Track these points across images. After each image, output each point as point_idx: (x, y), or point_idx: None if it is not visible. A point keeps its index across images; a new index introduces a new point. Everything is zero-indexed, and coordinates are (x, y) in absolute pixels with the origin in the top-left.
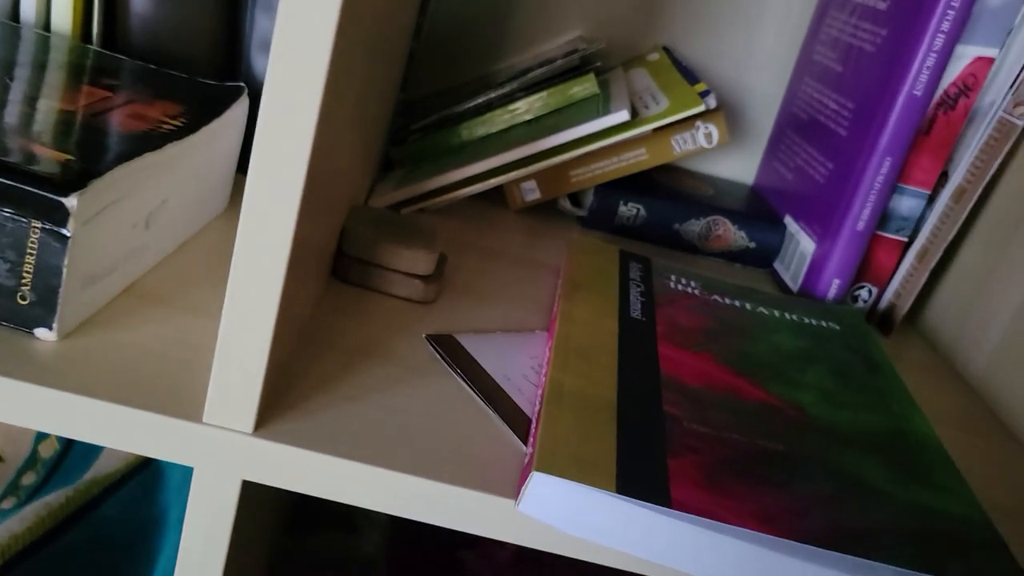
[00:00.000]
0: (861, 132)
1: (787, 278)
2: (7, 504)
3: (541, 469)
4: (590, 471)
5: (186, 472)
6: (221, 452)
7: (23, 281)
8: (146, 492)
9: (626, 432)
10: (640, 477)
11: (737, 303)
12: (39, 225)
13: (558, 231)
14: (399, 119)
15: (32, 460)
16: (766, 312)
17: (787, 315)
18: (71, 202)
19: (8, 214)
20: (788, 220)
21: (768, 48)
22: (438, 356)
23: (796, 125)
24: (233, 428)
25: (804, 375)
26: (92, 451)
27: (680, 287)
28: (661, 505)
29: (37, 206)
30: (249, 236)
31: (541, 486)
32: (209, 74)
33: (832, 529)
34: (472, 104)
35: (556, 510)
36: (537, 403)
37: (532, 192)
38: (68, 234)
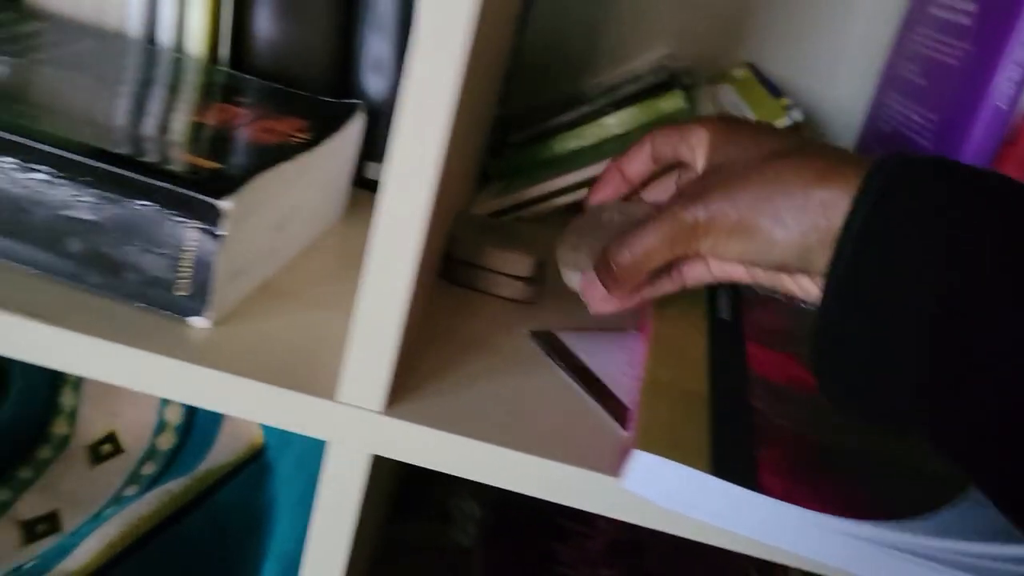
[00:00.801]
0: (945, 145)
1: None
2: (130, 491)
3: (643, 448)
4: (687, 453)
5: (294, 464)
6: (353, 428)
7: (181, 275)
8: (256, 483)
9: (718, 422)
10: (731, 462)
11: None
12: (197, 225)
13: None
14: (495, 133)
15: (151, 452)
16: None
17: None
18: (226, 205)
19: (170, 215)
20: None
21: (852, 63)
22: (541, 351)
23: (881, 139)
24: (365, 406)
25: None
26: (205, 444)
27: (766, 291)
28: (750, 488)
29: (197, 209)
30: (386, 230)
31: (643, 464)
32: (324, 92)
33: (899, 514)
34: (565, 119)
35: (655, 486)
36: (637, 393)
37: None
38: (222, 233)
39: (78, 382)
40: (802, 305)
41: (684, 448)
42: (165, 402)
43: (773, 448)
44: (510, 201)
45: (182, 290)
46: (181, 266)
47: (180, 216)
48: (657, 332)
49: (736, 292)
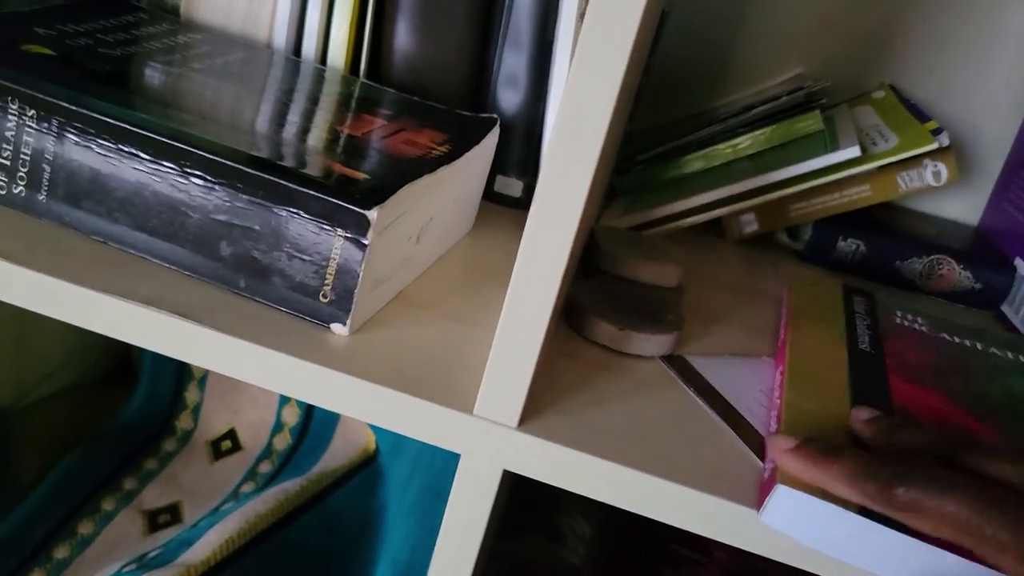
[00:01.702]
0: None
1: (1017, 321)
2: (247, 488)
3: (785, 483)
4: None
5: (408, 471)
6: (488, 441)
7: (326, 282)
8: (368, 488)
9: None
10: None
11: (967, 342)
12: (343, 234)
13: (776, 263)
14: (624, 149)
15: (268, 451)
16: (998, 353)
17: (1020, 357)
18: (372, 215)
19: (319, 223)
20: (1019, 262)
21: (998, 87)
22: (672, 374)
23: None
24: (500, 421)
25: None
26: (319, 447)
27: (907, 323)
28: (897, 530)
29: (344, 217)
30: (533, 247)
31: (784, 499)
32: (459, 106)
33: None
34: (695, 137)
35: (795, 523)
36: (773, 423)
37: (750, 224)
38: (367, 242)
39: (203, 379)
40: (948, 338)
41: None
42: (283, 403)
43: None
44: (637, 219)
45: (325, 296)
46: (326, 273)
47: (328, 224)
48: (795, 360)
49: (875, 321)
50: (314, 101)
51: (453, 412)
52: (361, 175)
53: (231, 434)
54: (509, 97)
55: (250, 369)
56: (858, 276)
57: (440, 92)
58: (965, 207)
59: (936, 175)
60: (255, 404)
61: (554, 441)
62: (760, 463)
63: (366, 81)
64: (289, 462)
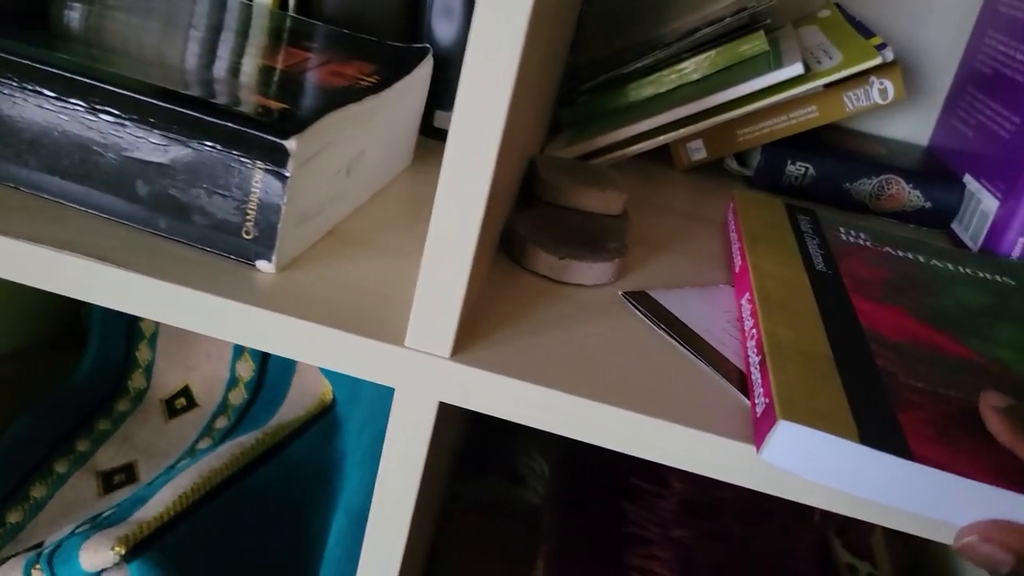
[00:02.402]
0: None
1: (966, 238)
2: (203, 444)
3: (786, 417)
4: (832, 421)
5: (363, 419)
6: (421, 374)
7: (248, 217)
8: (326, 438)
9: (851, 385)
10: (879, 429)
11: (910, 255)
12: (263, 166)
13: (725, 190)
14: (567, 82)
15: (223, 406)
16: (940, 265)
17: (961, 268)
18: (291, 144)
19: (238, 156)
20: (968, 179)
21: (946, 3)
22: (635, 310)
23: (979, 81)
24: (432, 352)
25: (996, 331)
26: (275, 400)
27: (852, 239)
28: (903, 457)
29: (262, 148)
30: (452, 175)
31: (786, 434)
32: (393, 38)
33: None
34: (639, 65)
35: (799, 458)
36: (754, 354)
37: (698, 151)
38: (287, 174)
39: (154, 337)
40: (893, 252)
41: (827, 416)
42: (237, 357)
43: (914, 411)
44: (582, 149)
45: (248, 233)
46: (247, 209)
47: (246, 157)
48: (761, 289)
49: (824, 240)
50: (235, 35)
51: (383, 345)
52: (281, 105)
53: (185, 391)
54: (445, 28)
55: (173, 310)
56: (808, 199)
57: (373, 24)
58: (915, 126)
59: (883, 93)
60: (208, 360)
61: (489, 370)
62: (739, 395)
63: (295, 15)
64: (246, 416)
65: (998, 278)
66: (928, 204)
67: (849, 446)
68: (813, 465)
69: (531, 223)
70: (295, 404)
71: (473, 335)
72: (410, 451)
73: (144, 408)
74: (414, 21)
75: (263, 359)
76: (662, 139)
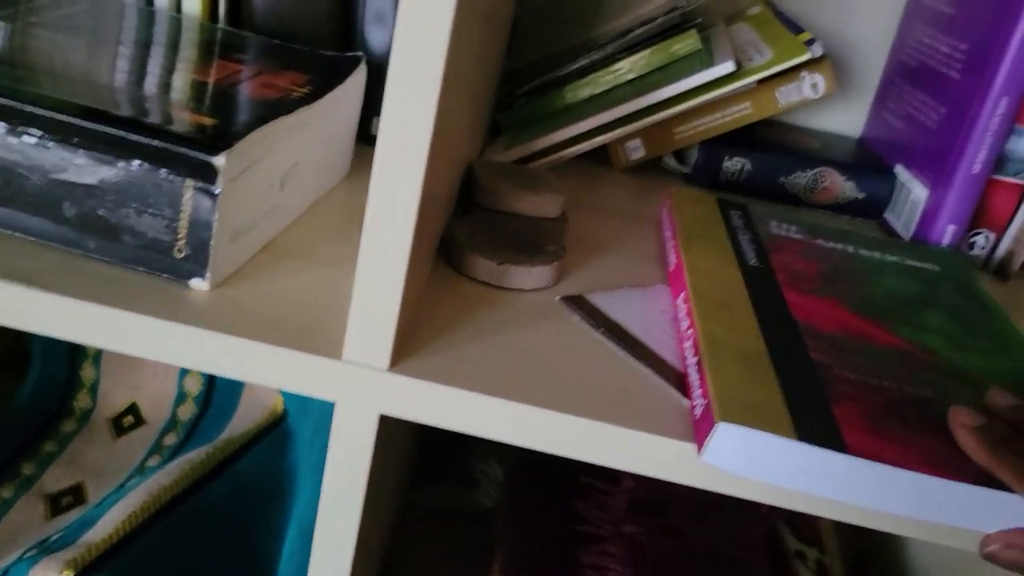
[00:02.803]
0: (975, 74)
1: (899, 227)
2: (152, 462)
3: (724, 419)
4: (768, 419)
5: (313, 430)
6: (360, 387)
7: (179, 236)
8: (278, 450)
9: (786, 380)
10: (814, 424)
11: (839, 246)
12: (192, 183)
13: (664, 188)
14: (505, 86)
15: (172, 423)
16: (869, 255)
17: (888, 257)
18: (219, 161)
19: (166, 174)
20: (899, 169)
21: None
22: (574, 314)
23: (906, 73)
24: (371, 364)
25: (925, 318)
26: (225, 413)
27: (784, 232)
28: (838, 451)
29: (191, 166)
30: (383, 184)
31: (725, 436)
32: (327, 47)
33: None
34: (575, 67)
35: (738, 458)
36: (691, 355)
37: (637, 150)
38: (217, 191)
39: (98, 356)
40: (824, 244)
41: (764, 415)
42: (184, 373)
43: (848, 403)
44: (520, 153)
45: (181, 252)
46: (178, 227)
47: (175, 175)
48: (696, 288)
49: (756, 235)
50: (164, 50)
51: (321, 359)
52: (211, 121)
53: (132, 409)
54: (378, 35)
55: (104, 333)
56: (746, 194)
57: (306, 34)
58: (848, 119)
59: (814, 87)
60: (155, 377)
61: (430, 380)
62: (678, 395)
63: (226, 28)
64: (195, 432)
65: (925, 265)
66: (862, 195)
67: (786, 443)
68: (754, 464)
69: (469, 229)
70: (245, 417)
71: (412, 345)
72: (353, 465)
73: (90, 428)
74: (347, 29)
75: (211, 374)
76: (599, 140)
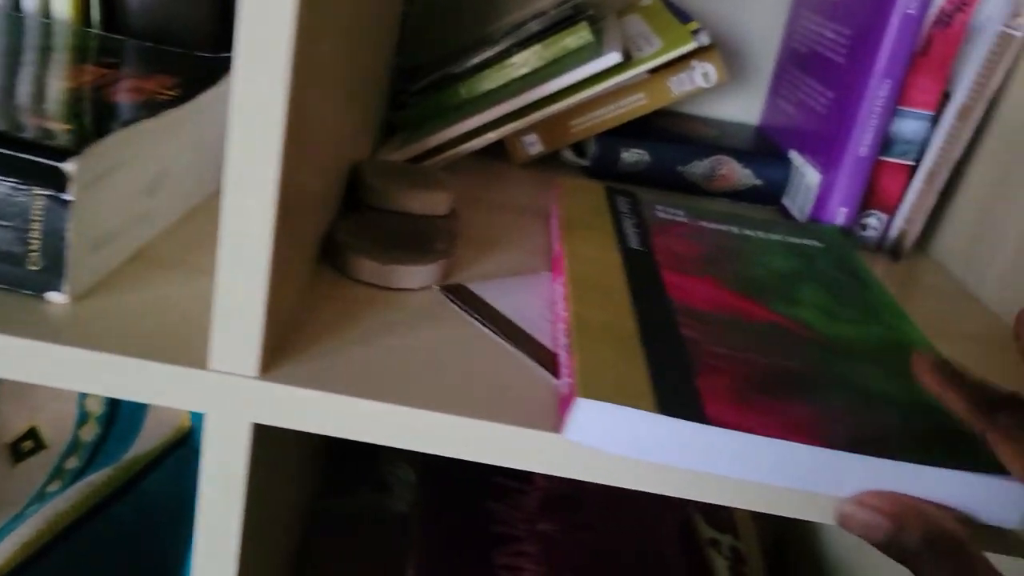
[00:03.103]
0: (858, 57)
1: (795, 212)
2: (53, 487)
3: (585, 395)
4: (629, 394)
5: None
6: (228, 396)
7: (31, 248)
8: (185, 466)
9: (653, 357)
10: (675, 397)
11: (723, 227)
12: (42, 192)
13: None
14: (399, 85)
15: (74, 445)
16: (752, 235)
17: (771, 236)
18: (69, 167)
19: (12, 183)
20: (793, 154)
21: None
22: (453, 304)
23: (796, 60)
24: (238, 372)
25: (800, 293)
26: (130, 433)
27: (669, 216)
28: (698, 422)
29: (38, 173)
30: (237, 184)
31: (586, 411)
32: (207, 49)
33: (850, 435)
34: (469, 64)
35: (600, 433)
36: (564, 338)
37: (534, 145)
38: (70, 199)
39: None
40: (707, 225)
41: (625, 389)
42: (85, 393)
43: (713, 376)
44: (414, 151)
45: (35, 264)
46: (29, 238)
47: (21, 183)
48: (573, 271)
49: (641, 220)
50: (29, 57)
51: (185, 370)
52: (64, 127)
53: (32, 433)
54: None
55: None
56: (646, 185)
57: (183, 36)
58: (745, 108)
59: (705, 76)
60: (55, 398)
61: (305, 386)
62: (554, 379)
63: (97, 32)
64: (99, 453)
65: (806, 242)
66: (759, 182)
67: (646, 416)
68: (615, 439)
69: (352, 230)
70: (151, 435)
71: (289, 351)
72: (227, 477)
73: None
74: (226, 30)
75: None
76: (492, 135)
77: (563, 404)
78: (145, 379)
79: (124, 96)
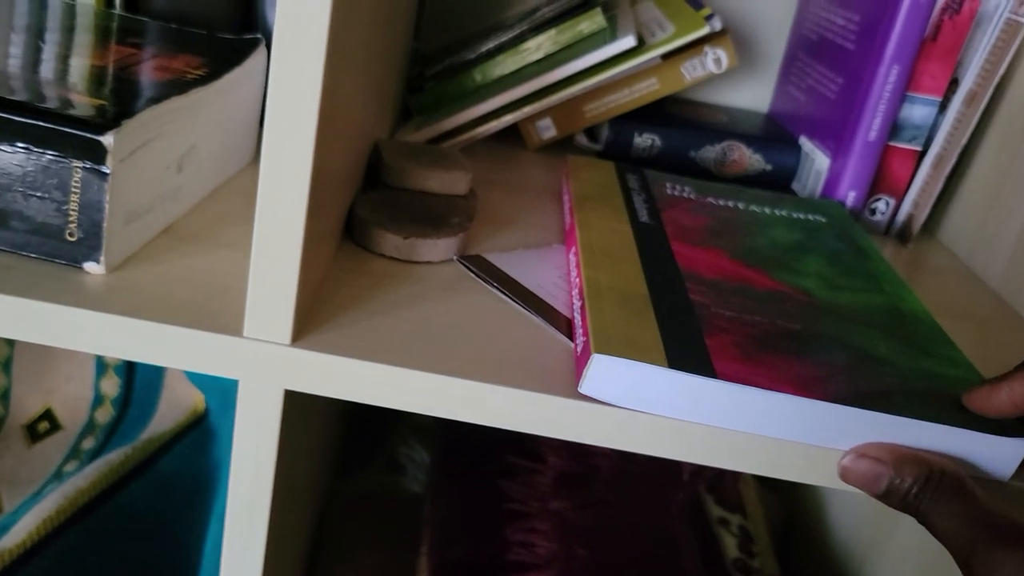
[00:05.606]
0: (867, 43)
1: (804, 196)
2: (70, 467)
3: (600, 351)
4: (642, 350)
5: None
6: (262, 362)
7: (70, 219)
8: (200, 448)
9: (664, 318)
10: (686, 354)
11: (730, 203)
12: (80, 164)
13: None
14: (415, 68)
15: (90, 426)
16: (757, 210)
17: (776, 211)
18: (108, 140)
19: (52, 156)
20: (803, 140)
21: None
22: (471, 274)
23: (806, 46)
24: (272, 340)
25: (803, 264)
26: (144, 415)
27: (676, 192)
28: (708, 376)
29: (78, 146)
30: (273, 160)
31: (600, 367)
32: (227, 30)
33: (853, 391)
34: (484, 48)
35: (614, 388)
36: (577, 300)
37: (548, 130)
38: (107, 171)
39: (8, 362)
40: (714, 201)
41: (637, 346)
42: (100, 375)
43: (721, 335)
44: (430, 133)
45: (72, 235)
46: (69, 210)
47: (62, 156)
48: (586, 241)
49: (650, 195)
50: (59, 36)
51: (221, 337)
52: (99, 102)
53: (47, 414)
54: None
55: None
56: (658, 169)
57: (205, 18)
58: (756, 94)
59: (717, 62)
60: (70, 381)
61: (333, 353)
62: (570, 342)
63: (122, 13)
64: (115, 434)
65: (810, 217)
66: (769, 167)
67: (658, 371)
68: (628, 393)
69: (374, 206)
70: (166, 417)
71: (317, 320)
72: (260, 443)
73: (4, 436)
74: (247, 12)
75: (128, 375)
76: (508, 119)
77: (579, 362)
78: (183, 346)
79: (153, 74)
